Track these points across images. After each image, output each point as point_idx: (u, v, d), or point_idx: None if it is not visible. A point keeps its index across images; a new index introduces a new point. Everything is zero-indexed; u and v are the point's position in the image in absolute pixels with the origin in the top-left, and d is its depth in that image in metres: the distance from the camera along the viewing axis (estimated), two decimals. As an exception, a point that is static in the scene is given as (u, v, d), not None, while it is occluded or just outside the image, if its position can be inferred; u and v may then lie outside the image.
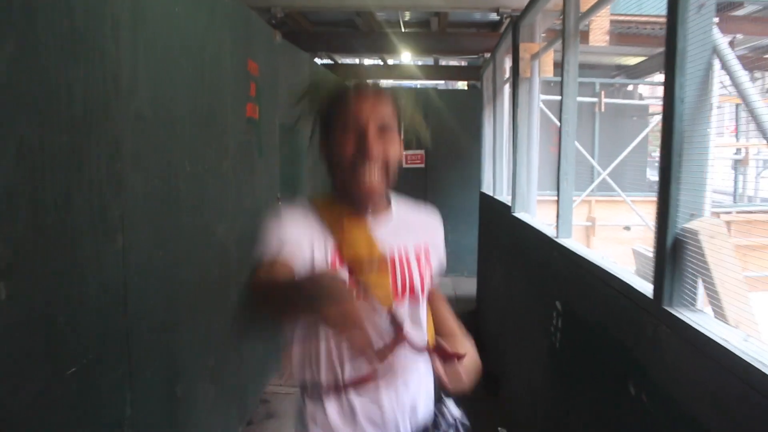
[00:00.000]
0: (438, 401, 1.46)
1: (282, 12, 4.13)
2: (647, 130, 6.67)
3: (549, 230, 2.76)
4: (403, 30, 6.05)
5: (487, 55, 5.25)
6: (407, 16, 4.87)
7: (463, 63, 8.91)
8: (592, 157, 7.12)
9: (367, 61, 8.23)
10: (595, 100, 7.26)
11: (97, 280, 1.88)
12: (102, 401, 1.93)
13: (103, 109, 1.89)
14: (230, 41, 3.12)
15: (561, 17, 2.57)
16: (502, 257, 4.20)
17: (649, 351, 1.51)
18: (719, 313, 1.35)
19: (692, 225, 1.36)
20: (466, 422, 1.46)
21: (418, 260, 1.40)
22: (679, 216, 1.39)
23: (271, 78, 3.93)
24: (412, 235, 1.42)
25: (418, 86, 9.22)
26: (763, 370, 1.05)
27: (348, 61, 7.98)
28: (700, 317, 1.34)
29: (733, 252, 1.36)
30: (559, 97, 2.57)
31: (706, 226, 1.32)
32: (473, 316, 5.76)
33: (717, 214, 5.98)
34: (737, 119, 7.57)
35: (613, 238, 6.78)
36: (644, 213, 6.68)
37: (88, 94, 1.81)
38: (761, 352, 1.11)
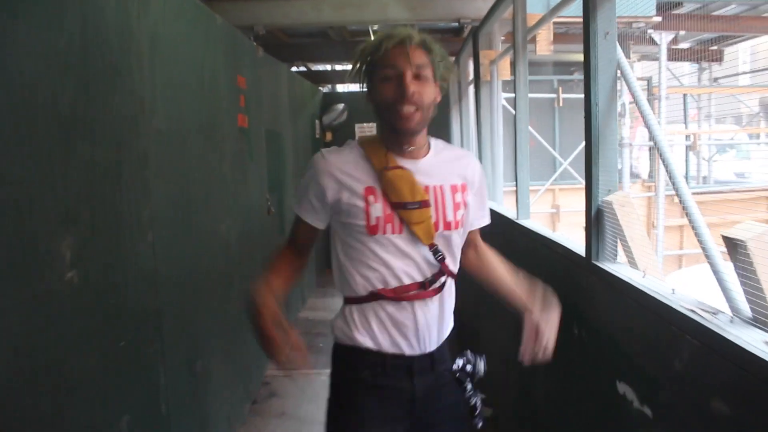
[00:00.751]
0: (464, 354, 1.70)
1: (264, 29, 4.53)
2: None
3: (511, 214, 3.20)
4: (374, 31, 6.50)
5: (452, 58, 5.66)
6: (375, 26, 5.28)
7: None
8: (554, 149, 7.61)
9: (339, 67, 8.63)
10: (553, 96, 7.76)
11: (134, 270, 2.26)
12: (144, 370, 2.32)
13: (133, 127, 2.28)
14: (222, 59, 3.51)
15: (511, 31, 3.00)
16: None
17: (585, 298, 1.95)
18: (632, 263, 1.79)
19: (609, 198, 1.80)
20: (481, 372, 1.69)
21: (454, 197, 1.58)
22: (600, 191, 1.83)
23: (256, 89, 4.32)
24: (449, 174, 1.60)
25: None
26: (653, 295, 1.49)
27: (320, 68, 8.39)
28: (618, 267, 1.78)
29: (639, 216, 1.79)
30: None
31: (619, 198, 1.76)
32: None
33: (669, 197, 6.50)
34: (685, 109, 8.13)
35: (577, 222, 7.25)
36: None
37: (123, 117, 2.19)
38: (653, 284, 1.55)
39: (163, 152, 2.55)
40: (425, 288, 1.54)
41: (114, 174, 2.12)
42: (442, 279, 1.57)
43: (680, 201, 1.67)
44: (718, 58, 8.99)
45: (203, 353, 2.95)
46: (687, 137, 8.01)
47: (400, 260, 1.51)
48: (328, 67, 8.62)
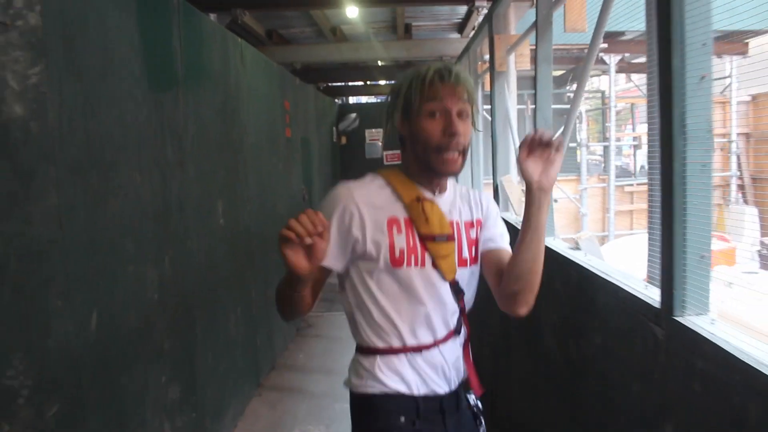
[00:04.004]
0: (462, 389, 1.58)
1: (300, 65, 6.22)
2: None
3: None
4: (380, 64, 8.14)
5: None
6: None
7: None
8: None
9: (351, 83, 10.30)
10: (524, 106, 9.42)
11: (243, 223, 3.91)
12: (245, 283, 3.97)
13: (241, 143, 3.93)
14: (277, 90, 5.16)
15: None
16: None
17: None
18: (516, 213, 3.43)
19: (502, 178, 3.44)
20: (480, 407, 1.61)
21: (469, 233, 1.53)
22: (498, 174, 3.48)
23: (295, 108, 5.98)
24: (464, 210, 1.55)
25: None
26: (552, 248, 3.12)
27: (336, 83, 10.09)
28: (511, 216, 3.41)
29: (517, 188, 3.43)
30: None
31: (505, 179, 3.40)
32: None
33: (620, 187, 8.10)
34: (633, 115, 9.76)
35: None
36: (567, 189, 8.84)
37: (238, 137, 3.85)
38: (516, 220, 3.19)
39: (253, 157, 4.21)
40: (452, 331, 1.50)
41: (235, 169, 3.78)
42: (460, 317, 1.53)
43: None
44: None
45: (270, 286, 4.62)
46: (634, 138, 9.63)
47: (424, 296, 1.44)
48: (341, 83, 10.32)
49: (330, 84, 9.51)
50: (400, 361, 1.46)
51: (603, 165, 10.81)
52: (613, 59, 8.20)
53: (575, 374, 1.97)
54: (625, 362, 1.54)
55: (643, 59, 9.87)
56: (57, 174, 1.85)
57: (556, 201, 9.42)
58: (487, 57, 3.91)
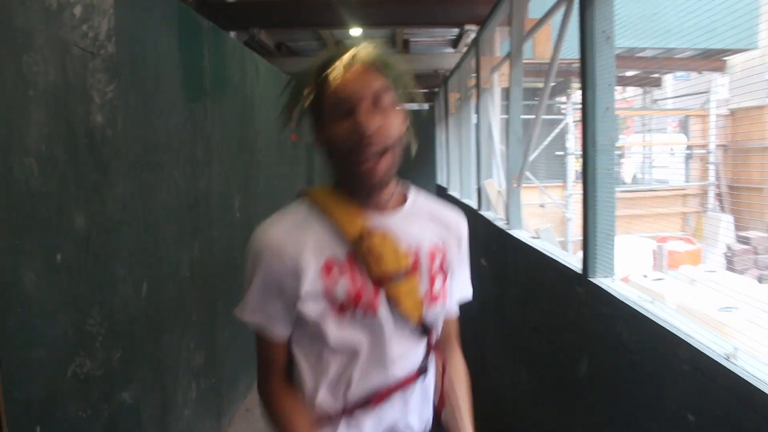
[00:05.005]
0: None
1: (305, 75, 6.76)
2: (551, 135, 9.32)
3: (474, 203, 5.34)
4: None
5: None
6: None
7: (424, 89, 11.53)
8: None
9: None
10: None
11: (255, 214, 4.40)
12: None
13: (254, 145, 4.42)
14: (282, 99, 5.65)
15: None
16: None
17: (508, 255, 4.08)
18: (495, 211, 3.93)
19: (485, 181, 3.94)
20: None
21: (432, 261, 1.21)
22: (481, 179, 3.98)
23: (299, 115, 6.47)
24: (428, 232, 1.23)
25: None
26: (517, 237, 3.61)
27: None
28: (489, 213, 3.91)
29: (493, 189, 3.93)
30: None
31: (486, 182, 3.90)
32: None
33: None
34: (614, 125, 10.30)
35: (531, 212, 9.41)
36: (554, 195, 9.36)
37: (252, 140, 4.34)
38: (494, 217, 3.70)
39: (264, 159, 4.70)
40: (411, 378, 1.22)
41: (249, 169, 4.27)
42: (427, 359, 1.25)
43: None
44: (657, 83, 11.15)
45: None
46: (618, 149, 10.17)
47: (381, 348, 1.17)
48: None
49: None
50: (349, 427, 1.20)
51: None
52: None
53: (530, 334, 2.47)
54: (562, 318, 2.03)
55: (629, 72, 10.42)
56: (123, 169, 2.33)
57: (542, 206, 9.96)
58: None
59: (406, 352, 1.20)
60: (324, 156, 1.19)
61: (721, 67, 8.99)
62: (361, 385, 1.18)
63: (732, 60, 9.07)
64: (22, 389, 1.74)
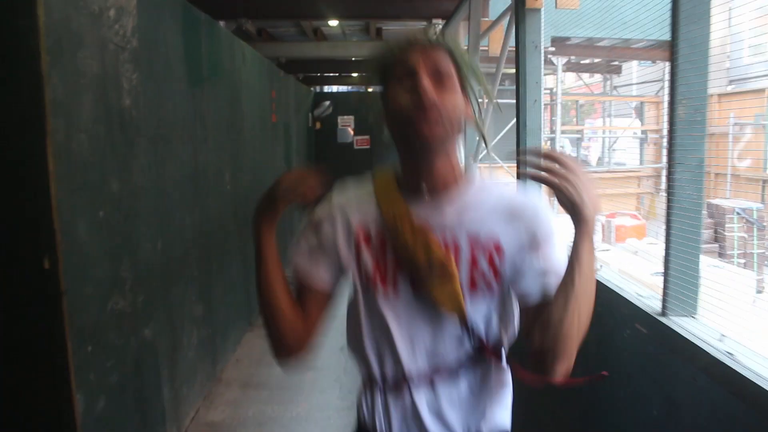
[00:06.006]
0: None
1: (284, 59, 7.16)
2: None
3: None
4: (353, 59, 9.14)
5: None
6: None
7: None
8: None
9: (326, 74, 11.27)
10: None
11: (244, 187, 4.86)
12: (231, 270, 4.93)
13: (240, 125, 4.87)
14: (267, 83, 6.09)
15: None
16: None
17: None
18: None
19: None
20: None
21: (476, 256, 1.16)
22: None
23: (279, 97, 6.91)
24: (485, 225, 1.16)
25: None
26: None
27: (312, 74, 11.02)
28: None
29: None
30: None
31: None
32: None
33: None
34: (578, 111, 10.89)
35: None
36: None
37: (236, 120, 4.79)
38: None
39: (249, 137, 5.16)
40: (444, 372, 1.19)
41: (237, 146, 4.73)
42: (473, 357, 1.19)
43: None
44: (617, 70, 11.77)
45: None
46: (578, 132, 10.79)
47: (407, 333, 1.18)
48: (318, 74, 11.29)
49: (308, 74, 10.45)
50: (376, 397, 1.24)
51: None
52: (560, 60, 9.30)
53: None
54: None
55: (587, 60, 11.00)
56: (143, 143, 2.79)
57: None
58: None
59: (439, 345, 1.18)
60: (390, 136, 1.20)
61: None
62: (391, 365, 1.20)
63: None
64: (78, 317, 2.21)
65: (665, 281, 1.25)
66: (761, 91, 8.22)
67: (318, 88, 11.78)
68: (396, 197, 1.19)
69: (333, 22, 5.98)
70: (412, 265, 1.15)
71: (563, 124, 12.38)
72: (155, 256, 2.93)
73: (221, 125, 4.24)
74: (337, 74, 10.80)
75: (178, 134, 3.32)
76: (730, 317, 1.20)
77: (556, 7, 3.28)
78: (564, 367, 1.08)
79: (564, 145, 12.84)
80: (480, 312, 1.17)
